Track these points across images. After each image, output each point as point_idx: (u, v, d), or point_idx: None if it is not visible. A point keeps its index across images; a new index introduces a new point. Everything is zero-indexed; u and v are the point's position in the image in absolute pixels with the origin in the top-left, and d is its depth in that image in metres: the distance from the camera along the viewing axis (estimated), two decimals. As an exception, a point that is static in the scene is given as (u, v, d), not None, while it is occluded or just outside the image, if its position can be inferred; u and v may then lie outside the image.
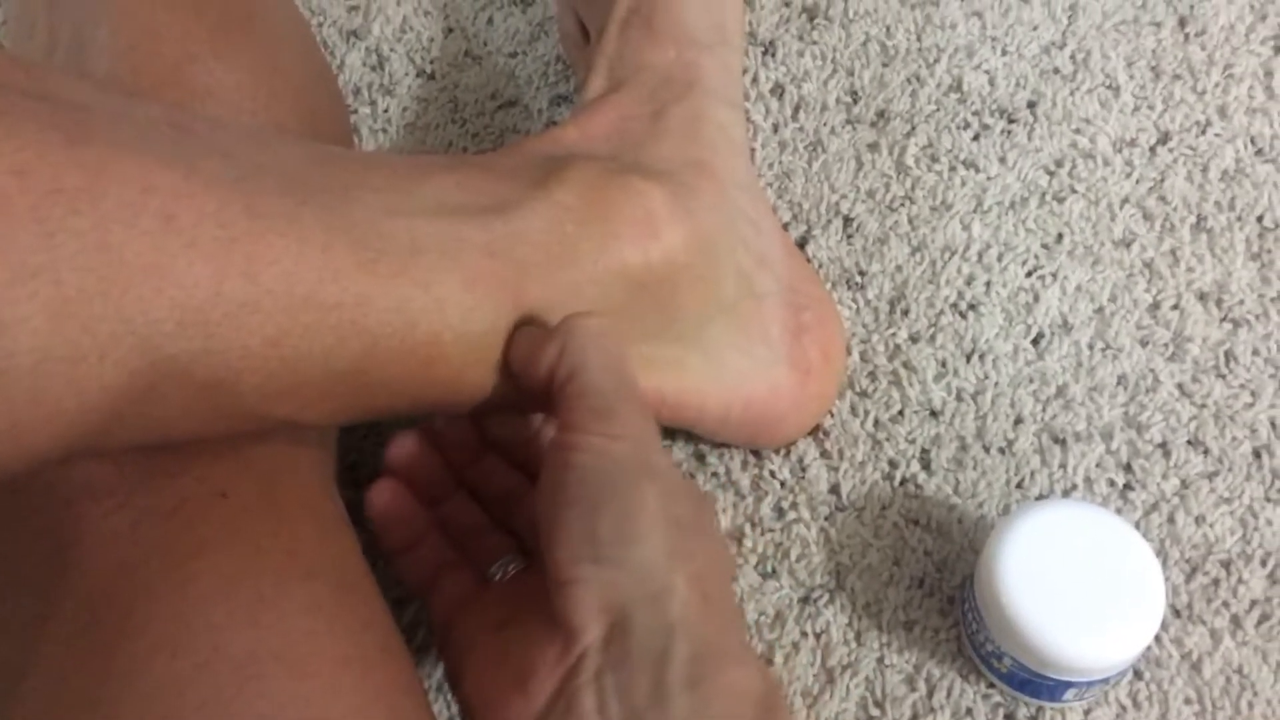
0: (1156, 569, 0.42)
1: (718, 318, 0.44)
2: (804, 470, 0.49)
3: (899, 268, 0.53)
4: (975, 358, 0.51)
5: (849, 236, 0.54)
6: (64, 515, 0.36)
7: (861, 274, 0.53)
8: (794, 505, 0.49)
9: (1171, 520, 0.47)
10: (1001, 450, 0.49)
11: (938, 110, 0.57)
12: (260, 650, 0.33)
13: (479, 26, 0.62)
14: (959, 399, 0.50)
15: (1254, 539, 0.47)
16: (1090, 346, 0.51)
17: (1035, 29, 0.59)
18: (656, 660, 0.32)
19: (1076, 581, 0.41)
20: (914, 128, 0.57)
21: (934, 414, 0.50)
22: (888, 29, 0.60)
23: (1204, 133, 0.56)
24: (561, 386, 0.36)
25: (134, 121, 0.31)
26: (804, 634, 0.46)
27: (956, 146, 0.56)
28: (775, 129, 0.57)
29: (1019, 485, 0.48)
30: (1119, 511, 0.47)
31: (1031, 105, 0.57)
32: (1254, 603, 0.46)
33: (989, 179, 0.55)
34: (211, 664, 0.33)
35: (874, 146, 0.56)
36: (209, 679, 0.33)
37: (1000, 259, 0.53)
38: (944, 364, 0.51)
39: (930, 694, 0.45)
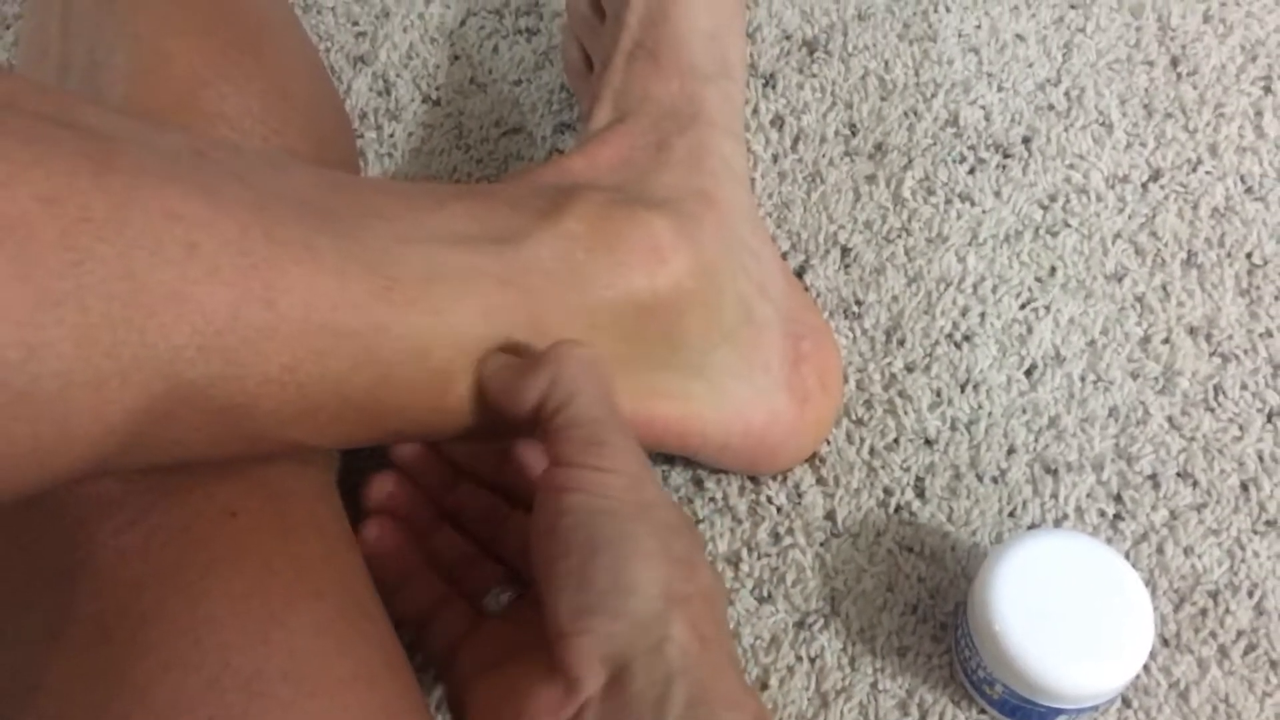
0: (1146, 599, 0.42)
1: (721, 345, 0.44)
2: (800, 496, 0.50)
3: (895, 298, 0.54)
4: (969, 388, 0.52)
5: (846, 266, 0.55)
6: (76, 532, 0.36)
7: (858, 304, 0.54)
8: (790, 531, 0.49)
9: (1160, 551, 0.48)
10: (994, 479, 0.50)
11: (934, 144, 0.58)
12: (268, 668, 0.34)
13: (484, 54, 0.63)
14: (953, 428, 0.51)
15: (1241, 570, 0.47)
16: (1082, 379, 0.52)
17: (1030, 66, 0.60)
18: (655, 706, 0.32)
19: (1067, 610, 0.42)
20: (911, 161, 0.58)
21: (929, 443, 0.51)
22: (886, 63, 0.61)
23: (1195, 170, 0.57)
24: (551, 416, 0.36)
25: (157, 149, 0.32)
26: (799, 658, 0.47)
27: (952, 180, 0.57)
28: (775, 159, 0.58)
29: (1011, 514, 0.49)
30: (1109, 541, 0.48)
31: (1026, 140, 0.58)
32: (1240, 633, 0.46)
33: (984, 212, 0.56)
34: (221, 681, 0.33)
35: (871, 178, 0.57)
36: (218, 696, 0.33)
37: (994, 291, 0.54)
38: (939, 394, 0.52)
39: (923, 719, 0.45)
